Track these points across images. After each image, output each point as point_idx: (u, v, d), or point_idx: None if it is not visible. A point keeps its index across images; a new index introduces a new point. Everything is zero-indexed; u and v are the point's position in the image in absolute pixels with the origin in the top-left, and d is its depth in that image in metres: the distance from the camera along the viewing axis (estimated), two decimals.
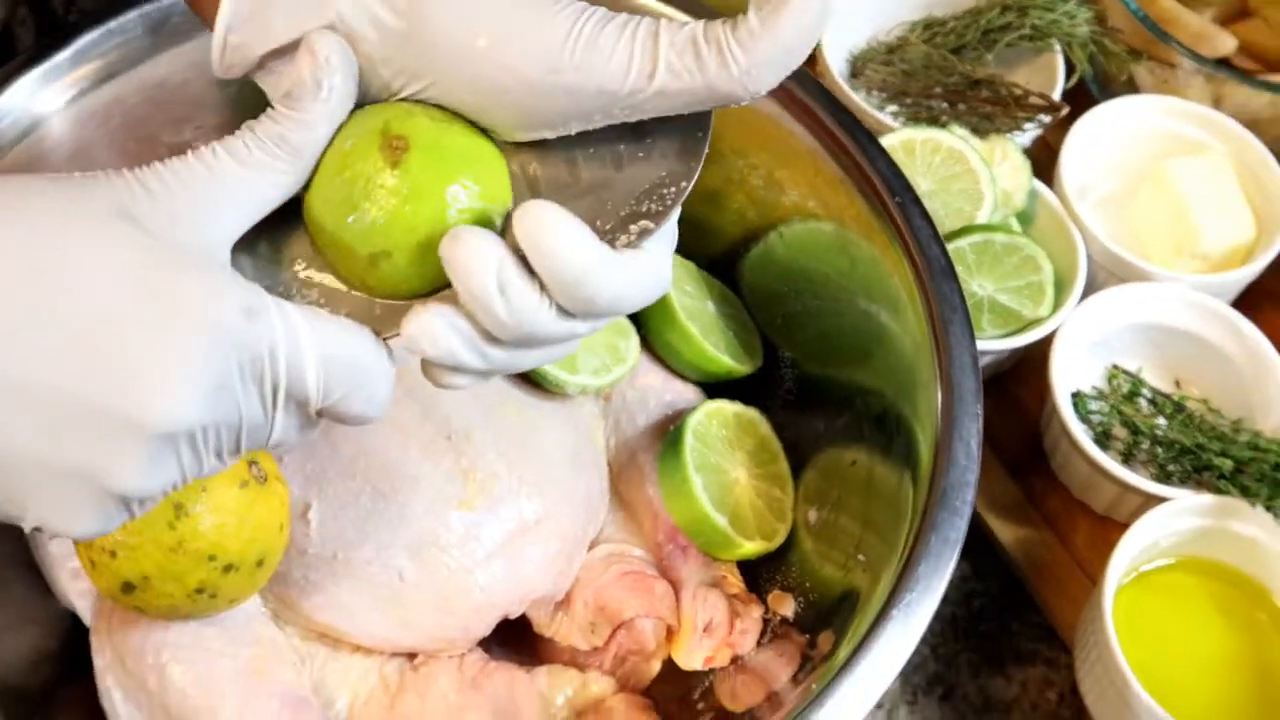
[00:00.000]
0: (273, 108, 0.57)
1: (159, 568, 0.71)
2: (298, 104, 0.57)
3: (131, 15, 0.90)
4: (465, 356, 0.57)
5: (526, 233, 0.54)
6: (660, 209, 0.58)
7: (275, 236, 0.60)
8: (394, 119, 0.57)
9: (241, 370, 0.54)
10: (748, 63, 0.54)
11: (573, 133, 0.58)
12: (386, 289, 0.59)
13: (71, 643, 0.83)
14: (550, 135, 0.59)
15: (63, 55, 0.89)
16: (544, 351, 0.60)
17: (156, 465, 0.54)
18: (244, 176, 0.56)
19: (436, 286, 0.58)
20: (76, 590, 0.83)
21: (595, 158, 0.59)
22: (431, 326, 0.56)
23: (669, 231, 0.60)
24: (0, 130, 0.87)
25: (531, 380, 0.88)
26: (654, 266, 0.58)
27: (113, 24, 0.90)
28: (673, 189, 0.59)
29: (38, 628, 0.84)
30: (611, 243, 0.57)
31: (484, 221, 0.57)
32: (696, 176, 0.59)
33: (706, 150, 0.59)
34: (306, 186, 0.59)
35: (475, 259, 0.54)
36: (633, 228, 0.58)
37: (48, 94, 0.88)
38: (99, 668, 0.80)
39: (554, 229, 0.54)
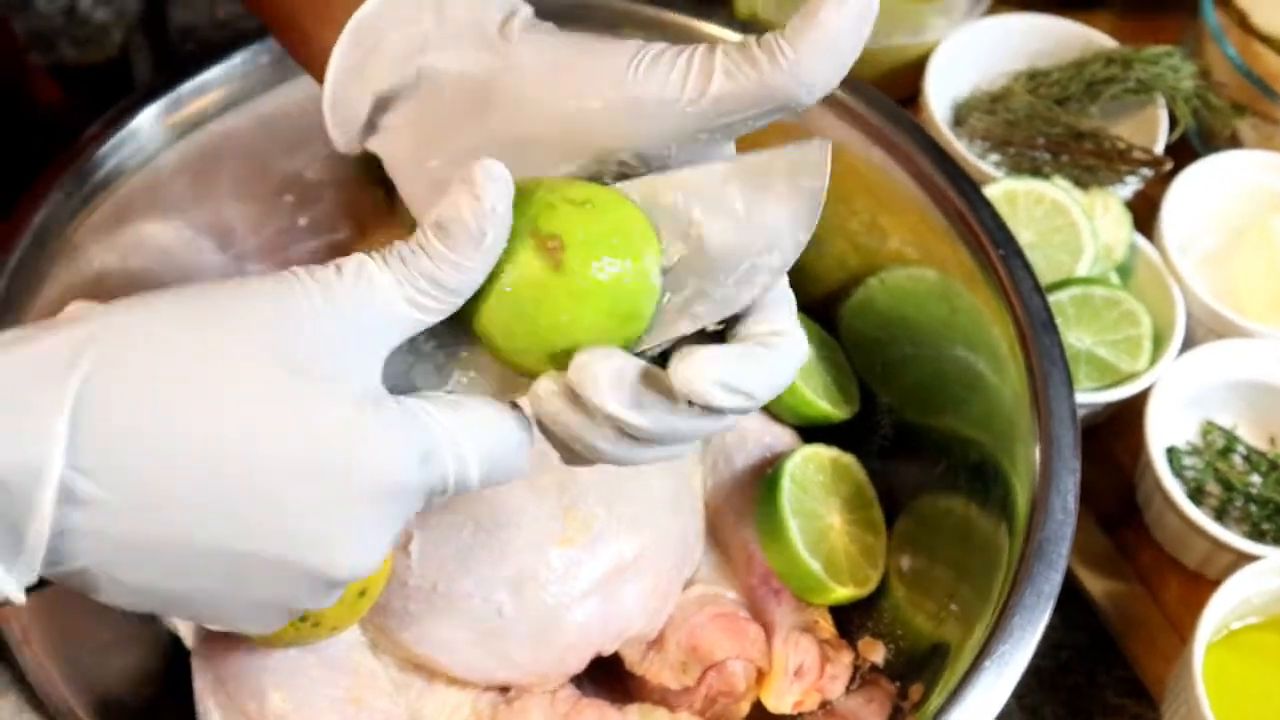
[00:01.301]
0: (425, 235, 0.55)
1: None
2: (455, 247, 0.55)
3: (252, 48, 0.93)
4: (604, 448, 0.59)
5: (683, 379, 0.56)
6: (779, 261, 0.59)
7: None
8: (539, 216, 0.57)
9: (419, 504, 0.57)
10: (795, 55, 0.56)
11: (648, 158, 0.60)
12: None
13: (173, 663, 0.85)
14: (626, 158, 0.60)
15: (184, 88, 0.92)
16: (686, 445, 0.62)
17: (339, 593, 0.58)
18: (395, 313, 0.55)
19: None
20: None
21: (718, 214, 0.59)
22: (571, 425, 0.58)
23: (790, 300, 0.61)
24: (122, 159, 0.90)
25: None
26: (790, 350, 0.59)
27: (235, 58, 0.93)
28: (790, 240, 0.59)
29: (141, 648, 0.86)
30: (729, 300, 0.59)
31: (647, 286, 0.58)
32: (813, 228, 0.59)
33: (823, 199, 0.59)
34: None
35: (605, 387, 0.56)
36: (752, 282, 0.59)
37: (167, 125, 0.91)
38: (199, 690, 0.81)
39: (688, 375, 0.56)
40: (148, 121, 0.91)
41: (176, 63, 0.96)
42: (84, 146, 0.89)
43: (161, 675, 0.86)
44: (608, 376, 0.56)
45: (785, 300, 0.61)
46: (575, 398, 0.57)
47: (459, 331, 0.60)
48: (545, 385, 0.58)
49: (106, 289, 0.89)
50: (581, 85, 0.59)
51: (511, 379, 0.60)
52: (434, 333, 0.59)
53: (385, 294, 0.55)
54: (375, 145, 0.67)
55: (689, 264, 0.59)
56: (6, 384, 0.50)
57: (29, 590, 0.53)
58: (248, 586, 0.55)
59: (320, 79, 0.66)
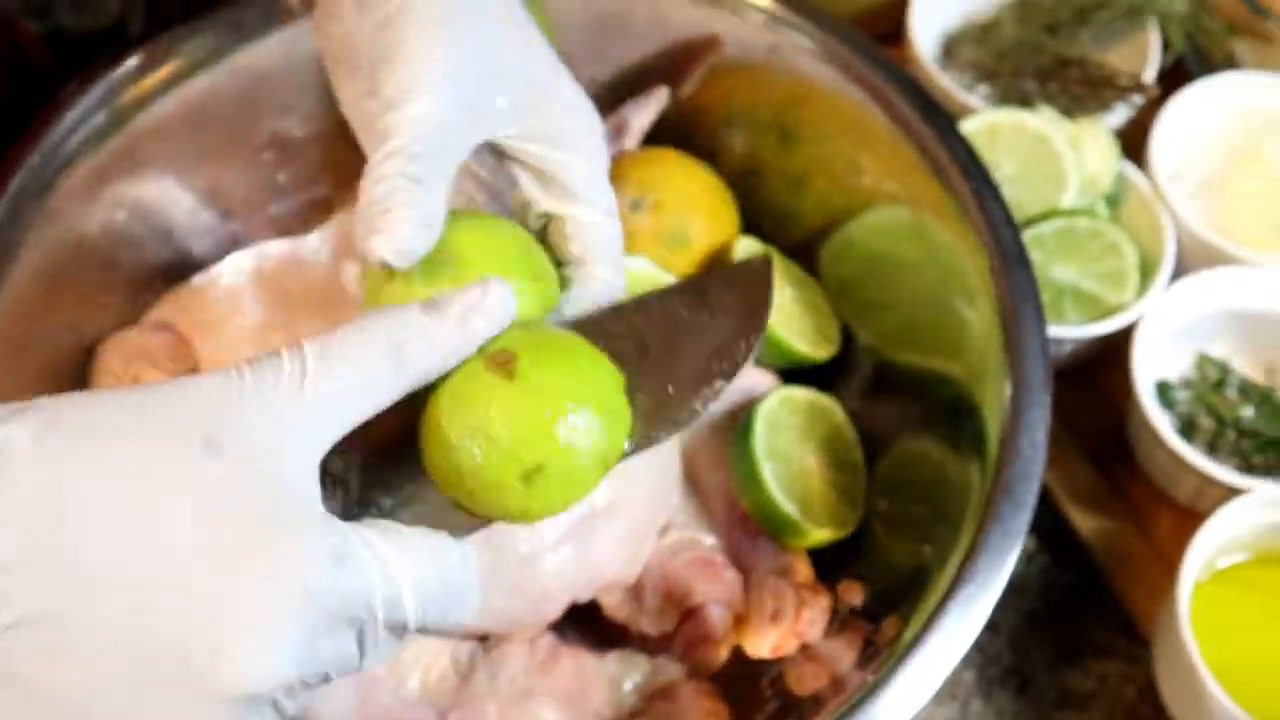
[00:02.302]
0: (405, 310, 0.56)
1: None
2: (436, 319, 0.56)
3: (233, 5, 0.93)
4: None
5: None
6: (731, 366, 0.61)
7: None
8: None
9: (333, 620, 0.52)
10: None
11: None
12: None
13: None
14: None
15: (168, 40, 0.91)
16: None
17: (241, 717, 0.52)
18: (340, 394, 0.54)
19: None
20: None
21: (661, 330, 0.61)
22: None
23: None
24: (96, 123, 0.89)
25: None
26: None
27: (221, 12, 0.92)
28: (743, 344, 0.61)
29: None
30: (685, 408, 0.60)
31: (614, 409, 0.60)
32: (763, 331, 0.62)
33: (772, 305, 0.62)
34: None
35: None
36: (705, 390, 0.60)
37: (145, 83, 0.91)
38: None
39: None
40: (124, 80, 0.90)
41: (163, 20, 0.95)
42: (59, 107, 0.88)
43: None
44: None
45: None
46: None
47: (404, 476, 0.60)
48: None
49: (88, 251, 0.90)
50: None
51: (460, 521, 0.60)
52: (380, 479, 0.59)
53: (332, 373, 0.53)
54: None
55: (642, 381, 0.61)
56: None
57: None
58: (137, 697, 0.50)
59: None
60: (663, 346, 0.61)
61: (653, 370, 0.60)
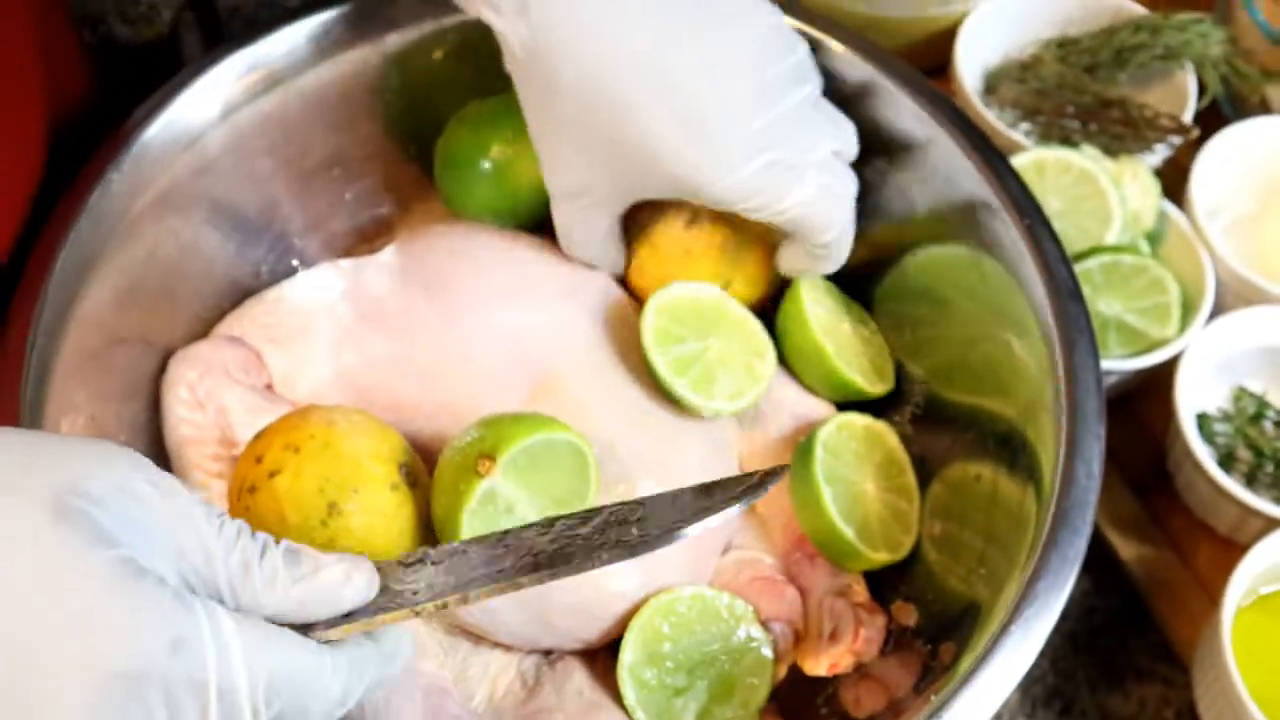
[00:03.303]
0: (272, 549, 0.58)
1: None
2: (302, 580, 0.58)
3: (294, 26, 0.95)
4: None
5: None
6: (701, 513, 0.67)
7: None
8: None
9: (167, 704, 0.51)
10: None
11: None
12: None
13: None
14: None
15: (227, 66, 0.93)
16: None
17: None
18: (177, 519, 0.54)
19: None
20: None
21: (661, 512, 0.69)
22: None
23: None
24: (168, 141, 0.91)
25: (670, 401, 0.91)
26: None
27: (277, 35, 0.94)
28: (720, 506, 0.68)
29: None
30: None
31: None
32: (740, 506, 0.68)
33: (757, 497, 0.69)
34: None
35: None
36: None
37: (212, 104, 0.93)
38: None
39: None
40: (189, 103, 0.92)
41: (222, 41, 0.97)
42: (133, 128, 0.90)
43: None
44: None
45: None
46: None
47: None
48: None
49: (160, 265, 0.92)
50: None
51: None
52: None
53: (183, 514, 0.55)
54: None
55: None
56: None
57: None
58: None
59: None
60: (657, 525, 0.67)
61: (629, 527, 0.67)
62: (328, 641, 0.59)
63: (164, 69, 0.95)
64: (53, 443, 0.53)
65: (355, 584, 0.60)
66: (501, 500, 0.77)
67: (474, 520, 0.76)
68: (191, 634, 0.51)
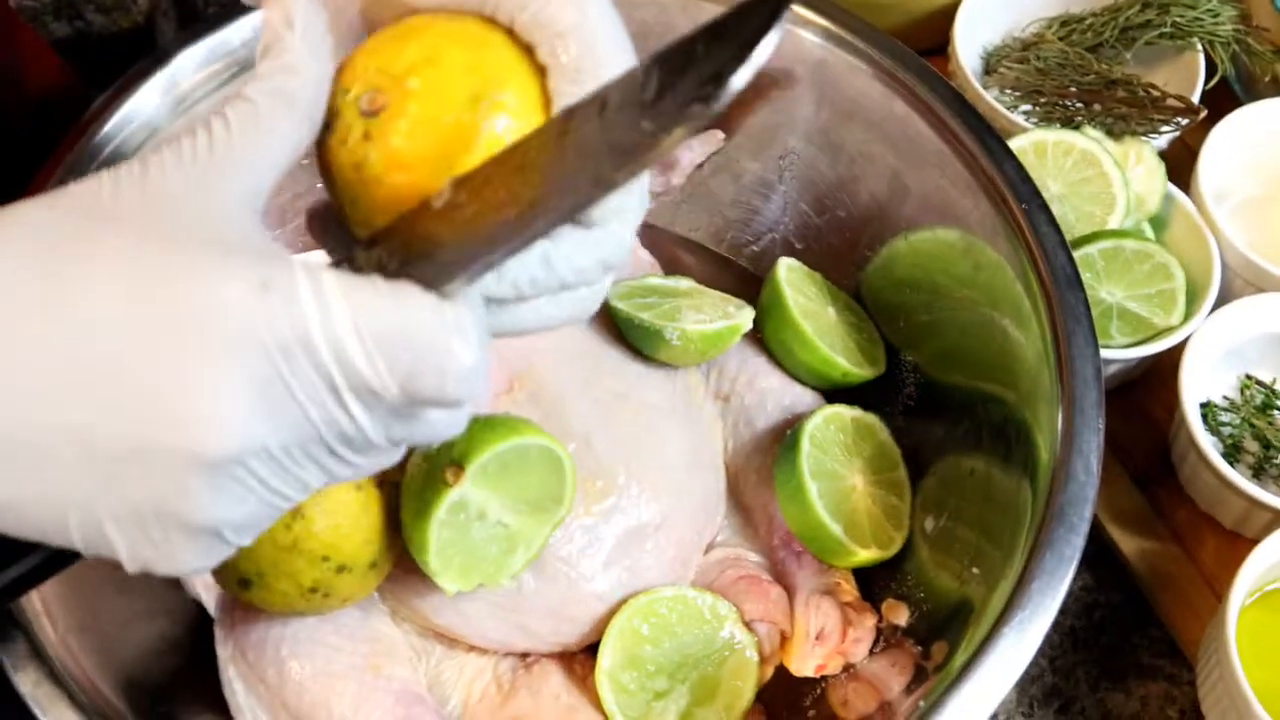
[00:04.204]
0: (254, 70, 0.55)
1: (274, 565, 0.73)
2: (276, 51, 0.54)
3: (255, 14, 0.92)
4: None
5: None
6: (715, 90, 0.49)
7: None
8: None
9: (280, 360, 0.48)
10: None
11: None
12: None
13: (198, 632, 0.85)
14: None
15: (187, 56, 0.91)
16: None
17: (228, 494, 0.50)
18: (242, 140, 0.52)
19: None
20: (203, 583, 0.85)
21: (669, 62, 0.52)
22: None
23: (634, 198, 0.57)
24: (129, 134, 0.89)
25: (641, 356, 0.90)
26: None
27: (238, 23, 0.92)
28: (735, 64, 0.49)
29: (167, 617, 0.87)
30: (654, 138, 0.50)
31: None
32: (765, 49, 0.49)
33: (782, 24, 0.50)
34: None
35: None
36: (681, 115, 0.50)
37: (172, 95, 0.91)
38: (222, 659, 0.82)
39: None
40: (159, 89, 0.90)
41: (193, 24, 0.95)
42: (89, 122, 0.88)
43: (186, 645, 0.86)
44: None
45: None
46: None
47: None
48: None
49: None
50: None
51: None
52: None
53: (227, 125, 0.52)
54: None
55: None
56: None
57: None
58: (110, 486, 0.48)
59: None
60: (658, 89, 0.52)
61: (634, 110, 0.52)
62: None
63: (140, 58, 0.93)
64: (100, 179, 0.52)
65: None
66: (472, 507, 0.75)
67: (443, 530, 0.75)
68: (278, 276, 0.48)
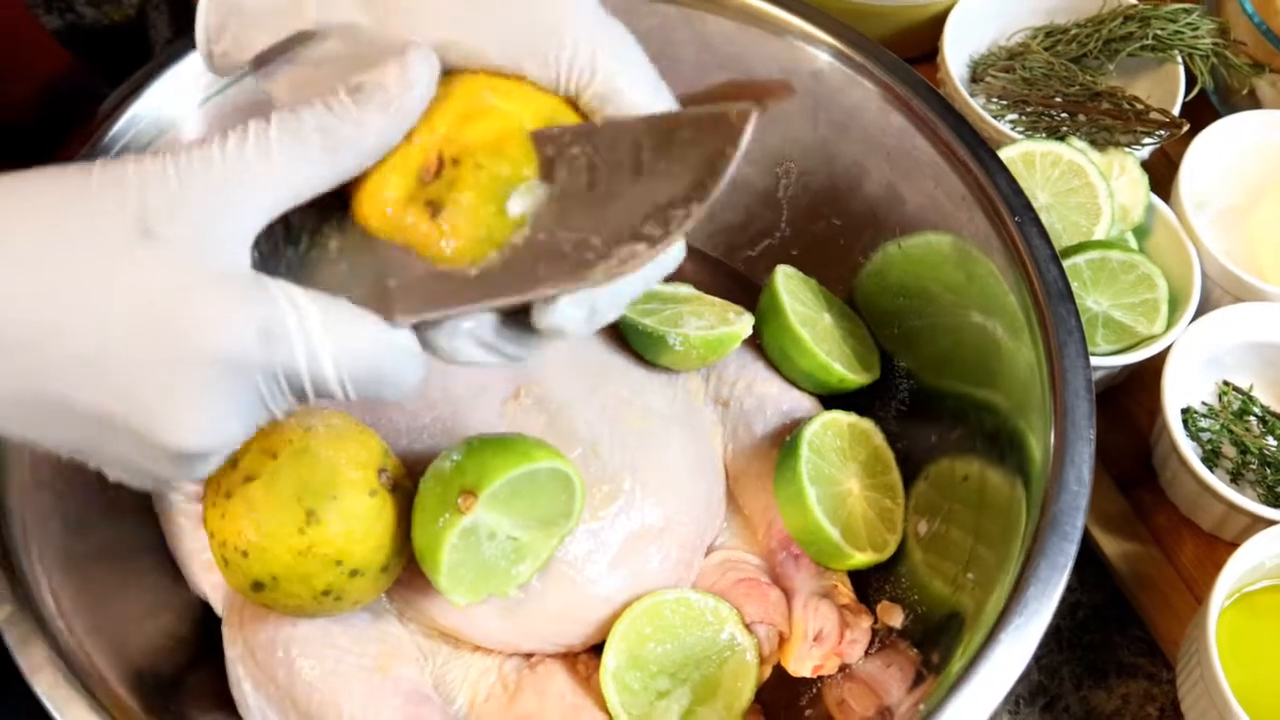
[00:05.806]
0: (336, 94, 0.57)
1: (288, 569, 0.74)
2: (364, 103, 0.57)
3: None
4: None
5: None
6: (660, 233, 0.56)
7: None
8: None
9: (262, 385, 0.57)
10: None
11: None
12: None
13: (204, 630, 0.86)
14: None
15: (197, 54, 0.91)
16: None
17: (196, 468, 0.59)
18: (272, 170, 0.55)
19: None
20: (210, 582, 0.86)
21: (617, 165, 0.58)
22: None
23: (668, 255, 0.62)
24: (139, 132, 0.90)
25: (644, 362, 0.91)
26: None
27: None
28: (680, 212, 0.56)
29: (172, 614, 0.88)
30: (592, 264, 0.57)
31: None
32: (710, 201, 0.56)
33: (729, 172, 0.56)
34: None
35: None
36: (621, 251, 0.57)
37: (183, 93, 0.91)
38: (230, 658, 0.83)
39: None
40: (161, 93, 0.91)
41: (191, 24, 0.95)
42: (103, 119, 0.89)
43: (195, 644, 0.87)
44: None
45: None
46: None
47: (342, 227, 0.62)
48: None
49: None
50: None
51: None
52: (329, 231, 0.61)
53: (262, 149, 0.55)
54: (264, 81, 0.67)
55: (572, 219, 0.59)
56: None
57: None
58: (102, 443, 0.57)
59: None
60: (609, 189, 0.58)
61: (587, 211, 0.58)
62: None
63: (132, 51, 0.93)
64: (126, 166, 0.56)
65: (413, 67, 0.59)
66: (483, 529, 0.76)
67: (454, 554, 0.76)
68: (278, 322, 0.56)
